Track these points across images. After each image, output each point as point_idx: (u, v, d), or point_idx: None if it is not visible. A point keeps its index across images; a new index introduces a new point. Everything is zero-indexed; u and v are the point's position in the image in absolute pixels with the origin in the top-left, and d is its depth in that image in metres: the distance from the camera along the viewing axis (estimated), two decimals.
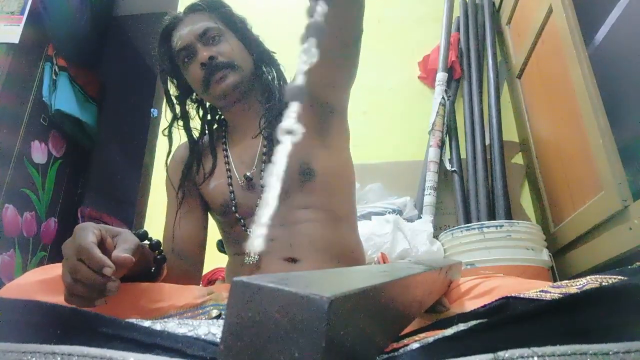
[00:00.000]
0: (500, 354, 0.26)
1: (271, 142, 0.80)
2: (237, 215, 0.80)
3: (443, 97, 1.72)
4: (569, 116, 1.29)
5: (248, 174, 0.80)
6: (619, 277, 0.37)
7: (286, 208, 0.78)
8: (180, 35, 0.82)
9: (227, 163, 0.85)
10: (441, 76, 1.76)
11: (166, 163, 0.91)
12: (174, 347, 0.32)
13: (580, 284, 0.40)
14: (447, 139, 1.69)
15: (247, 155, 0.83)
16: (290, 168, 0.77)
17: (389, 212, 1.44)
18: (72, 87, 2.34)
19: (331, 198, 0.80)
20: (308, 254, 0.75)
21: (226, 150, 0.86)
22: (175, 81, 0.90)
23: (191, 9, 0.85)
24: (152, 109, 2.03)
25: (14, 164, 2.02)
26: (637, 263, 0.43)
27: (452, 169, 1.63)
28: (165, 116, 0.91)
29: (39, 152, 2.21)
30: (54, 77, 2.27)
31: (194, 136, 0.91)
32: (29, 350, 0.30)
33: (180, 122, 0.91)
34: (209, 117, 0.94)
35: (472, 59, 1.81)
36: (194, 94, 0.92)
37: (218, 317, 0.64)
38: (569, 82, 1.25)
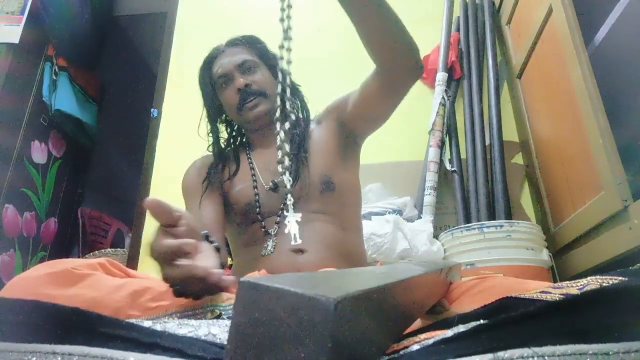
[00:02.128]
0: (500, 354, 0.26)
1: (296, 159, 0.91)
2: (258, 216, 0.89)
3: (443, 97, 1.72)
4: (569, 116, 1.29)
5: (276, 180, 0.91)
6: (620, 278, 0.37)
7: (303, 211, 0.86)
8: (221, 63, 0.96)
9: (252, 169, 0.95)
10: (441, 76, 1.76)
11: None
12: (174, 347, 0.32)
13: (581, 285, 0.40)
14: (447, 139, 1.69)
15: (275, 168, 0.91)
16: (313, 178, 0.87)
17: (389, 212, 1.44)
18: (72, 87, 2.34)
19: (343, 209, 0.91)
20: (314, 246, 0.83)
21: (250, 159, 0.97)
22: (211, 102, 1.01)
23: (232, 43, 0.99)
24: (152, 109, 2.03)
25: (14, 164, 2.02)
26: (639, 264, 0.43)
27: (452, 169, 1.63)
28: (199, 133, 1.01)
29: (39, 152, 2.21)
30: (54, 77, 2.27)
31: (221, 145, 1.02)
32: (29, 350, 0.30)
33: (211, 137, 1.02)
34: (234, 134, 1.06)
35: (472, 59, 1.81)
36: (224, 114, 1.04)
37: (218, 317, 0.64)
38: (569, 82, 1.25)
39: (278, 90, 0.59)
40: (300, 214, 0.68)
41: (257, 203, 0.90)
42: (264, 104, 0.93)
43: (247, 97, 0.92)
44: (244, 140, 1.05)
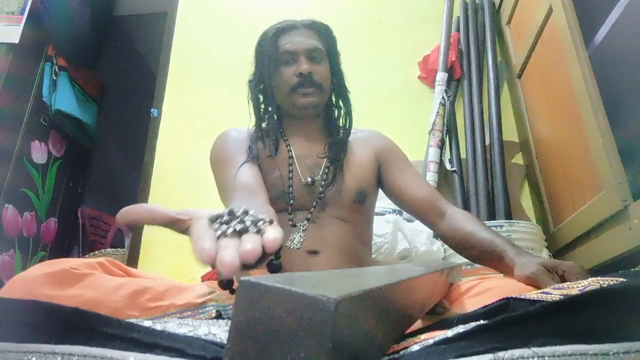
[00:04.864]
0: (500, 354, 0.26)
1: (335, 164, 0.92)
2: (289, 207, 0.88)
3: (443, 97, 1.72)
4: (569, 116, 1.29)
5: (316, 177, 0.91)
6: (621, 279, 0.37)
7: (329, 215, 0.88)
8: (291, 40, 0.94)
9: (291, 157, 0.93)
10: (441, 76, 1.76)
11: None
12: (174, 346, 0.32)
13: (581, 286, 0.40)
14: (447, 139, 1.69)
15: (313, 163, 0.93)
16: (349, 186, 0.89)
17: (389, 212, 1.44)
18: (72, 87, 2.34)
19: (364, 223, 0.95)
20: (330, 249, 0.84)
21: (288, 146, 0.96)
22: (264, 70, 0.97)
23: (309, 25, 0.98)
24: (152, 109, 2.03)
25: (14, 164, 2.02)
26: None
27: (452, 169, 1.63)
28: (249, 99, 1.00)
29: (39, 152, 2.21)
30: (54, 77, 2.27)
31: (261, 114, 1.00)
32: (29, 350, 0.30)
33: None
34: (269, 109, 1.01)
35: (472, 59, 1.81)
36: (269, 88, 0.98)
37: (218, 317, 0.64)
38: (569, 82, 1.24)
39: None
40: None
41: (290, 195, 0.89)
42: (316, 97, 0.93)
43: (305, 83, 0.92)
44: (277, 119, 1.02)
